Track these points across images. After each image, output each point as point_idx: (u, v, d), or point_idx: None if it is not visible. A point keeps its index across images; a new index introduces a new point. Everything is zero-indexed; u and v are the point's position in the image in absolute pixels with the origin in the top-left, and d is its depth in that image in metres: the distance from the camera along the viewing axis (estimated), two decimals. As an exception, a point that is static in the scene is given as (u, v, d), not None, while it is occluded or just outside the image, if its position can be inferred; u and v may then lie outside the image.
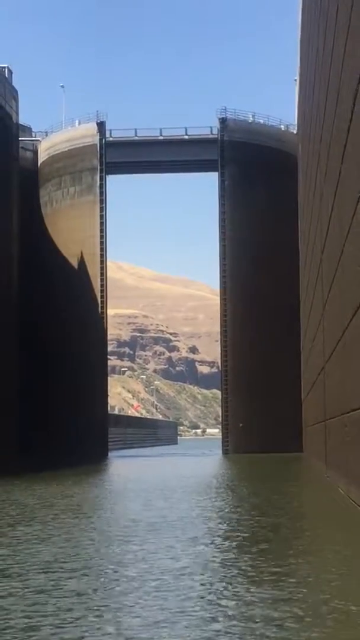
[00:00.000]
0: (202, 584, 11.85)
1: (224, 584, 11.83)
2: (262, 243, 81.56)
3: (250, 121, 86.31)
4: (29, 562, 14.05)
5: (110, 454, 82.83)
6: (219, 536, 17.86)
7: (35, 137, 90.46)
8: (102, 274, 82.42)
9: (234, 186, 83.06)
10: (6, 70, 72.64)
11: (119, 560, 14.31)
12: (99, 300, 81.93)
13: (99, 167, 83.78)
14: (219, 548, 15.88)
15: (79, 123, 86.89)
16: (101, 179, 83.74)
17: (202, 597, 10.87)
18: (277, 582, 11.80)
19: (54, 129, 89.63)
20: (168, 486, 34.41)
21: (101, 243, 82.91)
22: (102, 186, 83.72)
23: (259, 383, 79.93)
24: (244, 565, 13.50)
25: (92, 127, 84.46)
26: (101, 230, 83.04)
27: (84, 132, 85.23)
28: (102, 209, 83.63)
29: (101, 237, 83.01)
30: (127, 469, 57.93)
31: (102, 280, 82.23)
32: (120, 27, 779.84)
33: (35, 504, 26.37)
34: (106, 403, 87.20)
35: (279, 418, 78.18)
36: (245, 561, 13.92)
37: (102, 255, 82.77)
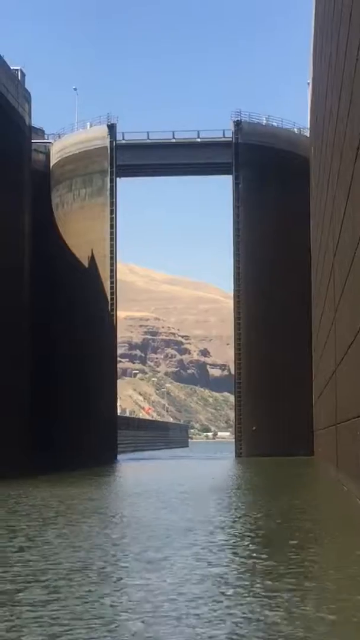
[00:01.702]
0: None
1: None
2: (276, 246, 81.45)
3: (264, 124, 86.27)
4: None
5: (120, 457, 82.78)
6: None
7: (47, 139, 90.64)
8: (112, 276, 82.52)
9: (248, 189, 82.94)
10: (19, 72, 72.80)
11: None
12: (109, 302, 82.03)
13: (109, 170, 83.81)
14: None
15: (90, 125, 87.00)
16: (112, 181, 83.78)
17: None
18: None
19: (66, 131, 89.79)
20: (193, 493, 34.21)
21: (111, 245, 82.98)
22: (113, 188, 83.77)
23: (271, 386, 79.84)
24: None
25: (103, 130, 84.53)
26: (111, 233, 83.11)
27: (95, 135, 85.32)
28: (113, 211, 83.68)
29: (111, 239, 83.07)
30: (135, 475, 57.80)
31: (112, 282, 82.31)
32: (134, 30, 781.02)
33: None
34: (115, 405, 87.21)
35: (291, 421, 78.12)
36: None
37: (112, 258, 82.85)
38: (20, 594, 11.49)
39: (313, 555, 15.53)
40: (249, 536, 18.43)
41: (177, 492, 32.20)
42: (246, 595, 11.30)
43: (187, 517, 22.51)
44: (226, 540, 17.70)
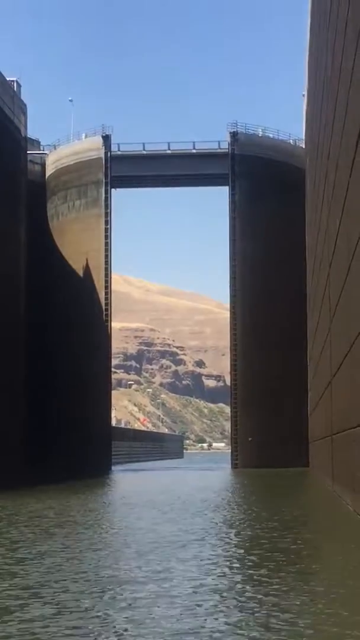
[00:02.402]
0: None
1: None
2: (272, 257, 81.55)
3: (260, 135, 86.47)
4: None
5: (114, 468, 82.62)
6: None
7: (43, 150, 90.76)
8: (106, 287, 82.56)
9: (244, 200, 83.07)
10: (15, 83, 72.97)
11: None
12: (104, 312, 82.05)
13: (104, 181, 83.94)
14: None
15: (86, 136, 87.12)
16: (106, 192, 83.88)
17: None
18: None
19: (62, 142, 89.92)
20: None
21: (106, 256, 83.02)
22: (107, 199, 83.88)
23: (267, 398, 79.79)
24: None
25: (98, 141, 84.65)
26: (106, 244, 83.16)
27: (89, 146, 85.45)
28: (107, 222, 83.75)
29: (106, 250, 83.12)
30: (130, 485, 57.66)
31: (106, 293, 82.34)
32: (130, 41, 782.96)
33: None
34: (110, 416, 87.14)
35: (287, 433, 78.08)
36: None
37: (106, 269, 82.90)
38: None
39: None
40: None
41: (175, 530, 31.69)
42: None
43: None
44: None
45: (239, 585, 13.17)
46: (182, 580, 13.62)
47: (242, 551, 17.96)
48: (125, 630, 9.94)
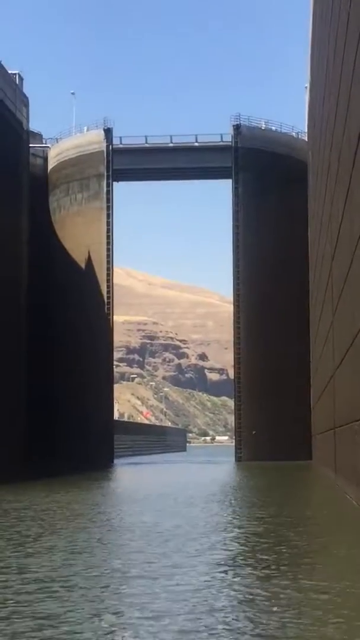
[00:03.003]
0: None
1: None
2: (275, 251, 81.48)
3: (263, 128, 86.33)
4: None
5: (117, 461, 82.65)
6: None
7: (45, 143, 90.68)
8: (108, 280, 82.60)
9: (247, 193, 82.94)
10: (17, 76, 72.84)
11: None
12: (105, 306, 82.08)
13: (105, 174, 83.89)
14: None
15: (87, 129, 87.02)
16: (108, 185, 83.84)
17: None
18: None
19: (64, 135, 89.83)
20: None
21: (107, 250, 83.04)
22: (109, 192, 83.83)
23: (271, 391, 79.79)
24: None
25: (100, 134, 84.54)
26: (107, 237, 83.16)
27: (91, 139, 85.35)
28: (109, 215, 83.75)
29: (107, 243, 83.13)
30: (130, 484, 57.61)
31: (108, 286, 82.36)
32: (132, 34, 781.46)
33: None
34: (112, 409, 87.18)
35: (291, 426, 78.03)
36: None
37: (108, 262, 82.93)
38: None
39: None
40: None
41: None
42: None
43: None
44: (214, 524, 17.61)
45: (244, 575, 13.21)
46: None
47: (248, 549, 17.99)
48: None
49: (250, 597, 11.51)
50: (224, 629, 9.61)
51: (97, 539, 18.91)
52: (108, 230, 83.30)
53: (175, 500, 30.39)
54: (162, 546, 17.10)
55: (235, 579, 13.06)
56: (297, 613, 10.37)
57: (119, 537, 19.22)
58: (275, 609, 10.59)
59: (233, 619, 10.10)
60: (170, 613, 10.42)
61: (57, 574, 13.63)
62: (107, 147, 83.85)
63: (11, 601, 11.31)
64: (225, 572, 13.77)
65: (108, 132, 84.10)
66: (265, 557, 15.46)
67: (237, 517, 24.35)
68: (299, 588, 12.10)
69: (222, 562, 14.85)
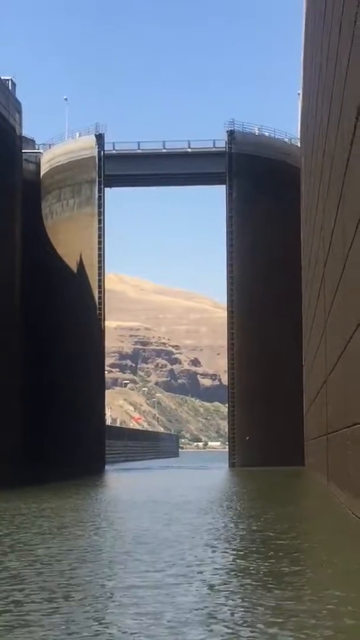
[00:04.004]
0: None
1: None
2: (270, 256, 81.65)
3: (256, 134, 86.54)
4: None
5: (110, 467, 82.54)
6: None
7: (38, 149, 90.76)
8: (100, 286, 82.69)
9: (241, 199, 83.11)
10: (10, 82, 72.86)
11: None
12: (97, 311, 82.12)
13: (97, 180, 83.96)
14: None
15: (79, 135, 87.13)
16: (99, 191, 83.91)
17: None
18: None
19: (56, 141, 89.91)
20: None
21: (99, 255, 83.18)
22: (101, 198, 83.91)
23: (264, 397, 79.91)
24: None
25: (91, 140, 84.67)
26: (99, 242, 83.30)
27: (83, 145, 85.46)
28: (100, 221, 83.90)
29: (99, 249, 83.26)
30: (120, 491, 57.46)
31: (100, 292, 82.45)
32: (125, 40, 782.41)
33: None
34: (103, 415, 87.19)
35: (284, 432, 78.07)
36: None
37: (100, 268, 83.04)
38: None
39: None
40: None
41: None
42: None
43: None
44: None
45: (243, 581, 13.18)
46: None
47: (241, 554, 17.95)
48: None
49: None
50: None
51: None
52: (100, 236, 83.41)
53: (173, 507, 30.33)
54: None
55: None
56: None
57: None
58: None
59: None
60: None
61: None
62: (99, 152, 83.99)
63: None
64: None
65: (100, 137, 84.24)
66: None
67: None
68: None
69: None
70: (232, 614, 10.43)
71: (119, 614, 10.49)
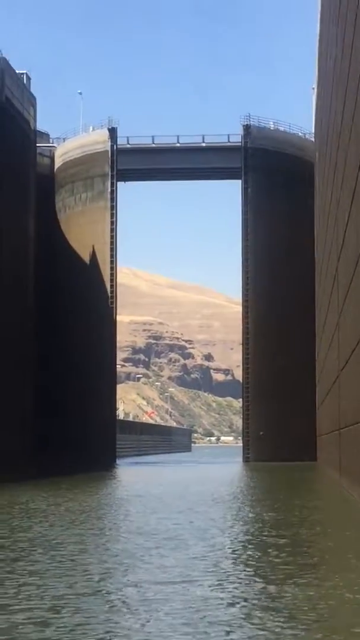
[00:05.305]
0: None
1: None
2: (285, 251, 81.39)
3: (272, 128, 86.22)
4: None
5: (122, 461, 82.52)
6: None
7: (52, 143, 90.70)
8: (112, 280, 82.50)
9: (256, 194, 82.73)
10: (25, 76, 72.84)
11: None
12: (109, 305, 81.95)
13: (109, 174, 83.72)
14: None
15: (93, 129, 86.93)
16: (112, 185, 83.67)
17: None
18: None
19: (70, 135, 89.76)
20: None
21: (111, 249, 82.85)
22: (113, 192, 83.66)
23: (278, 392, 79.63)
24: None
25: (105, 133, 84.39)
26: (111, 237, 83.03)
27: (96, 139, 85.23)
28: (113, 215, 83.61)
29: (111, 243, 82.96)
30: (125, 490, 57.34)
31: (112, 285, 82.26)
32: (139, 34, 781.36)
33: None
34: (115, 409, 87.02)
35: (298, 427, 77.84)
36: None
37: (112, 262, 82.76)
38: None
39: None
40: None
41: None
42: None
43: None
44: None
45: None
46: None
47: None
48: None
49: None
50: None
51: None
52: (112, 230, 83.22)
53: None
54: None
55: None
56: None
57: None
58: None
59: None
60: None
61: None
62: (112, 146, 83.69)
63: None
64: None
65: (113, 131, 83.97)
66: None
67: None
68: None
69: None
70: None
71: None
